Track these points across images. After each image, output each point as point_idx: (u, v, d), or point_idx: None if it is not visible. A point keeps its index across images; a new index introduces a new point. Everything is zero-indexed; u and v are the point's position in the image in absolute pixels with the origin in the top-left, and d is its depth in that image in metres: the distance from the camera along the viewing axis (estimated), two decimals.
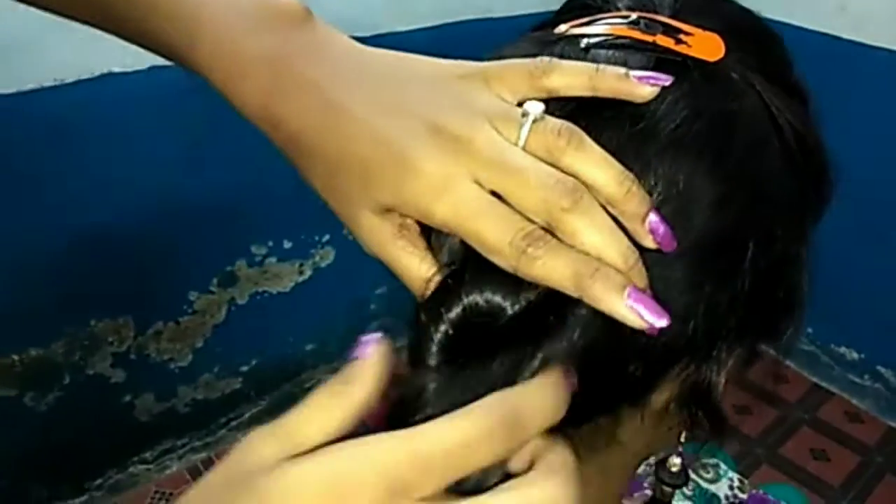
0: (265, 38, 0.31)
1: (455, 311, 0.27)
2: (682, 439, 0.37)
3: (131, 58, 1.25)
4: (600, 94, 0.29)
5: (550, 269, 0.25)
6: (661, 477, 0.39)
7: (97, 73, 1.32)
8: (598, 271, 0.25)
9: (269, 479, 0.23)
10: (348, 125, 0.29)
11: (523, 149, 0.27)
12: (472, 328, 0.27)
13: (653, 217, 0.27)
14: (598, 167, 0.27)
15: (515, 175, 0.26)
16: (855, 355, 2.01)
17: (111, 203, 1.38)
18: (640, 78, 0.29)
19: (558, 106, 0.29)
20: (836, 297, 1.94)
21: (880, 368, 1.97)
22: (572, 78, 0.29)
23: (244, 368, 1.76)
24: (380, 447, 0.23)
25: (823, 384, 2.09)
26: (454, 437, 0.23)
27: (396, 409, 0.27)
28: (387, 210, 0.28)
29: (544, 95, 0.29)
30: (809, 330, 2.07)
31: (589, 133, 0.28)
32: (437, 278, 0.28)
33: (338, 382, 0.25)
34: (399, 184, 0.27)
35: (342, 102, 0.29)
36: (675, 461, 0.38)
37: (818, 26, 1.79)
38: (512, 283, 0.27)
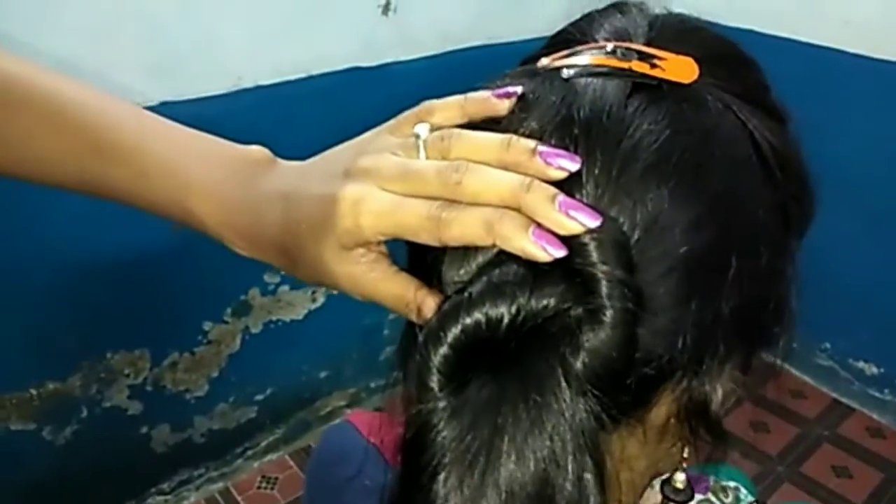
0: (244, 185, 0.38)
1: (454, 332, 0.28)
2: (685, 455, 0.37)
3: (141, 95, 1.27)
4: (473, 117, 0.33)
5: (465, 225, 0.29)
6: (666, 494, 0.39)
7: None
8: (504, 215, 0.28)
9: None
10: (303, 207, 0.33)
11: None
12: (473, 345, 0.28)
13: (541, 147, 0.29)
14: (479, 145, 0.30)
15: (415, 176, 0.30)
16: (875, 370, 1.98)
17: (124, 236, 1.39)
18: (497, 95, 0.32)
19: (552, 138, 0.31)
20: (854, 312, 1.93)
21: None
22: (448, 111, 0.33)
23: (259, 397, 1.77)
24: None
25: (843, 400, 2.06)
26: None
27: (409, 446, 0.28)
28: (346, 251, 0.32)
29: None
30: (827, 345, 2.05)
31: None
32: (433, 304, 0.30)
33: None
34: (334, 218, 0.31)
35: (299, 198, 0.34)
36: (680, 477, 0.38)
37: (822, 40, 1.79)
38: (515, 291, 0.28)
